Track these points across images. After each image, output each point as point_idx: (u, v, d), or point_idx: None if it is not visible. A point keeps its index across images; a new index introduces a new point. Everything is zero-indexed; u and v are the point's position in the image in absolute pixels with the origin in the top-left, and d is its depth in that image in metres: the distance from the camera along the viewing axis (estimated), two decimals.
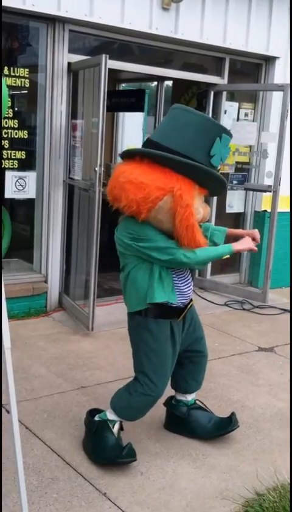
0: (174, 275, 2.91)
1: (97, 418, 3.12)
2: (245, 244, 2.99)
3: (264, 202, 6.43)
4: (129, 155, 2.79)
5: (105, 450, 3.00)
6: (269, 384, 4.11)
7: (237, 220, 6.65)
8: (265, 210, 6.40)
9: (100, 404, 3.58)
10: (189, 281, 3.01)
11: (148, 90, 9.10)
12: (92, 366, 4.22)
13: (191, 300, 3.06)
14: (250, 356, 4.62)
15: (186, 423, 3.33)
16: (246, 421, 3.55)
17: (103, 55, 4.46)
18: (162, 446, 3.22)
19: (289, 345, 4.92)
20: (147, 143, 2.82)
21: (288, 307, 5.93)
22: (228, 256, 2.93)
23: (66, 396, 3.74)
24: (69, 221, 5.37)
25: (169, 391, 3.37)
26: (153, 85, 11.70)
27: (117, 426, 3.08)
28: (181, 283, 2.94)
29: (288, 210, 6.60)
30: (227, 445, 3.25)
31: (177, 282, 2.92)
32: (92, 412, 3.19)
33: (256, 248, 3.02)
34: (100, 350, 4.54)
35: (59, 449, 3.13)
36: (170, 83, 8.15)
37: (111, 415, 3.07)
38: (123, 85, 9.35)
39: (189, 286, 3.00)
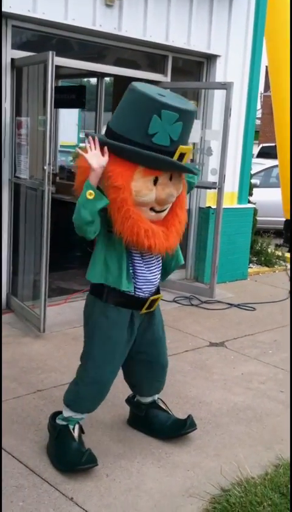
0: (141, 261, 2.84)
1: (57, 421, 3.09)
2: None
3: (208, 199, 6.53)
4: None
5: (66, 456, 2.97)
6: (223, 379, 4.19)
7: None
8: (209, 207, 6.51)
9: (57, 407, 3.54)
10: (156, 269, 2.92)
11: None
12: (47, 369, 4.16)
13: (157, 292, 3.00)
14: (202, 352, 4.69)
15: (144, 421, 3.36)
16: (205, 416, 3.60)
17: (50, 52, 4.39)
18: (125, 447, 3.22)
19: (239, 339, 5.03)
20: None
21: (233, 302, 6.06)
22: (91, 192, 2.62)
23: (23, 400, 3.68)
24: (16, 220, 5.26)
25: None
26: (86, 80, 11.67)
27: (77, 430, 3.06)
28: (147, 271, 2.87)
29: (230, 206, 6.75)
30: (188, 442, 3.29)
31: (142, 269, 2.85)
32: (55, 415, 3.16)
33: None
34: (53, 352, 4.48)
35: (21, 455, 3.08)
36: (109, 79, 8.14)
37: (66, 412, 3.04)
38: (60, 81, 9.25)
39: (156, 275, 2.92)
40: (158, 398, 3.39)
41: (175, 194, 2.79)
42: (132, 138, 2.61)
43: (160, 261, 2.96)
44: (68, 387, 3.08)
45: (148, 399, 3.35)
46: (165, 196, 2.73)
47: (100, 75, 7.64)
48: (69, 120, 11.79)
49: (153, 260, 2.91)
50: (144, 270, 2.87)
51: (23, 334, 4.78)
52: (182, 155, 2.67)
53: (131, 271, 2.85)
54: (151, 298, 2.94)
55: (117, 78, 7.43)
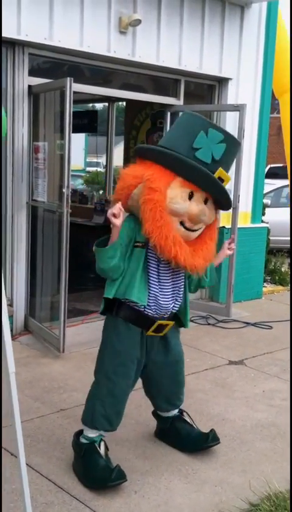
0: (156, 281, 2.89)
1: (82, 440, 3.10)
2: None
3: (222, 218, 6.57)
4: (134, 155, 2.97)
5: (95, 473, 2.97)
6: (245, 397, 4.19)
7: None
8: (223, 226, 6.55)
9: (81, 425, 3.54)
10: (169, 295, 2.93)
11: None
12: (68, 389, 4.18)
13: (170, 319, 3.03)
14: (222, 370, 4.70)
15: (168, 434, 3.41)
16: (229, 433, 3.60)
17: (68, 78, 4.50)
18: (151, 463, 3.23)
19: (257, 357, 5.04)
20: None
21: (250, 321, 6.08)
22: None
23: (47, 419, 3.70)
24: (33, 242, 5.33)
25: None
26: (91, 105, 11.86)
27: (103, 446, 3.07)
28: (160, 292, 2.89)
29: (244, 225, 6.80)
30: (214, 459, 3.30)
31: (155, 287, 2.88)
32: (79, 434, 3.16)
33: None
34: (73, 372, 4.51)
35: (49, 473, 3.09)
36: (121, 103, 8.28)
37: (87, 431, 3.07)
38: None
39: (168, 301, 2.93)
40: (184, 412, 3.42)
41: (207, 214, 2.84)
42: (175, 149, 2.74)
43: (178, 289, 2.97)
44: (84, 406, 3.10)
45: (168, 414, 3.37)
46: (198, 212, 2.78)
47: (114, 100, 7.78)
48: (75, 144, 11.95)
49: (168, 283, 2.93)
50: (157, 290, 2.90)
51: (42, 354, 4.81)
52: (220, 180, 2.79)
53: (145, 285, 2.87)
54: (159, 322, 2.95)
55: (129, 102, 7.57)
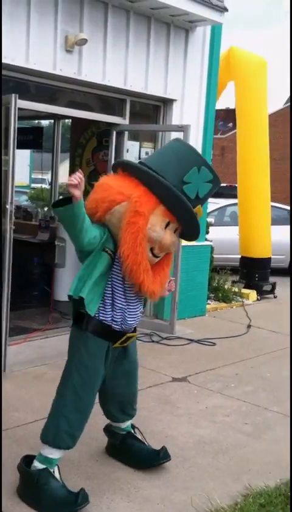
0: (123, 295, 2.90)
1: (35, 464, 2.98)
2: None
3: None
4: (114, 167, 2.93)
5: (57, 500, 2.88)
6: (188, 413, 4.22)
7: None
8: None
9: (21, 446, 3.52)
10: (137, 310, 2.98)
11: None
12: (9, 409, 4.09)
13: (134, 331, 3.07)
14: (165, 387, 4.72)
15: (120, 451, 3.40)
16: (172, 450, 3.58)
17: (13, 95, 4.50)
18: (93, 483, 3.20)
19: (201, 374, 5.09)
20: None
21: (193, 338, 6.14)
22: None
23: None
24: None
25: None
26: (37, 122, 11.83)
27: (56, 470, 2.98)
28: (127, 309, 2.92)
29: (188, 243, 6.87)
30: (156, 476, 3.30)
31: (122, 303, 2.90)
32: (26, 459, 3.06)
33: None
34: (15, 391, 4.42)
35: None
36: (67, 120, 8.28)
37: (44, 450, 2.96)
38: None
39: (134, 318, 2.98)
40: (136, 428, 3.44)
41: (175, 245, 2.93)
42: (166, 177, 2.76)
43: (142, 302, 3.04)
44: (45, 423, 3.01)
45: (123, 425, 3.38)
46: (170, 242, 2.87)
47: (60, 117, 7.78)
48: (20, 160, 11.93)
49: (135, 302, 2.97)
50: (124, 306, 2.92)
51: None
52: None
53: (109, 300, 2.89)
54: (128, 334, 3.01)
55: (75, 120, 7.58)
